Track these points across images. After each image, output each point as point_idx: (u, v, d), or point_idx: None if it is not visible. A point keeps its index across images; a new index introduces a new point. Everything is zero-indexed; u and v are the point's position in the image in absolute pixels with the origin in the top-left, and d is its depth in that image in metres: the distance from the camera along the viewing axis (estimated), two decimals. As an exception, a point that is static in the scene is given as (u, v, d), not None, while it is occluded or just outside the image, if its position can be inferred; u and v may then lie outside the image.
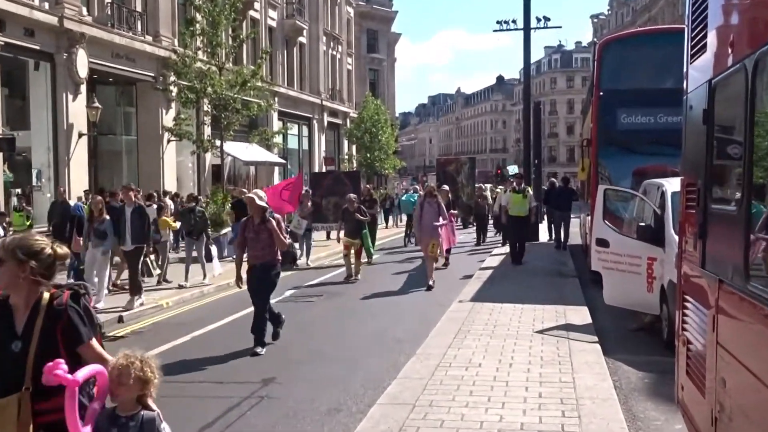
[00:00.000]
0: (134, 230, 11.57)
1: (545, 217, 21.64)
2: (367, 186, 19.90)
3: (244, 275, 8.71)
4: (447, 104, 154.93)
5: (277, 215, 8.84)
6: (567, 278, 13.34)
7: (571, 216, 19.46)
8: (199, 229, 13.98)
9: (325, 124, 41.04)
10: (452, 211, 15.85)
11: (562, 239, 18.97)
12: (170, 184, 24.02)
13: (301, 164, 38.98)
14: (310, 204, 17.98)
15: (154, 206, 15.38)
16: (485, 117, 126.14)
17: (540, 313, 9.86)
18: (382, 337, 9.31)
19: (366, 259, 17.06)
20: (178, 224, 15.44)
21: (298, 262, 17.24)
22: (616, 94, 12.96)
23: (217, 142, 22.14)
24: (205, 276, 13.77)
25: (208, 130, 24.18)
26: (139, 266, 12.01)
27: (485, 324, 9.16)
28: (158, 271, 14.09)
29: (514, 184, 16.79)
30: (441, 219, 13.51)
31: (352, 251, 14.56)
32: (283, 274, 15.51)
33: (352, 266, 14.58)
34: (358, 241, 14.60)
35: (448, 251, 15.98)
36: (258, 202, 8.49)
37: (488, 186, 33.11)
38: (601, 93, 13.05)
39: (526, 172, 21.96)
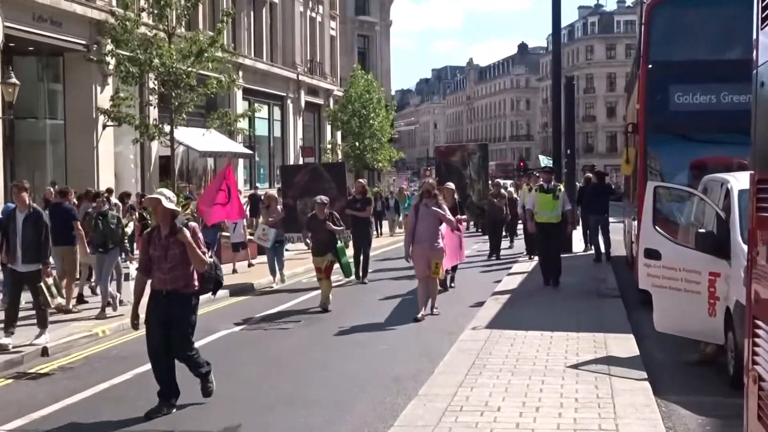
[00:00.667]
0: (27, 245, 10.76)
1: (580, 221, 21.59)
2: (361, 181, 19.51)
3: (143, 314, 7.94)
4: (456, 79, 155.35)
5: (192, 223, 8.10)
6: (608, 299, 13.37)
7: (610, 219, 19.53)
8: (115, 241, 13.52)
9: (303, 104, 41.08)
10: (460, 216, 15.30)
11: (602, 249, 19.00)
12: (107, 180, 23.99)
13: (272, 154, 39.01)
14: (280, 208, 17.81)
15: (106, 207, 15.43)
16: (504, 95, 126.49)
17: (574, 342, 9.88)
18: (376, 373, 9.30)
19: (356, 278, 16.98)
20: (129, 228, 15.46)
21: (275, 281, 17.12)
22: (668, 67, 13.01)
23: (166, 128, 22.11)
24: (113, 306, 13.13)
25: (154, 113, 24.14)
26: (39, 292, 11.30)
27: (505, 357, 9.17)
28: (59, 300, 13.94)
29: (542, 180, 15.88)
30: (445, 228, 13.11)
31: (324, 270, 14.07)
32: (246, 297, 15.67)
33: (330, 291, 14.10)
34: (330, 256, 14.09)
35: (454, 269, 15.75)
36: (166, 203, 7.71)
37: (507, 183, 33.08)
38: (650, 66, 13.09)
39: (556, 166, 22.00)
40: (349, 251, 21.73)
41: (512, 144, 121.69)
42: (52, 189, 19.62)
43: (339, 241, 14.40)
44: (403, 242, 13.28)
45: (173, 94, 21.37)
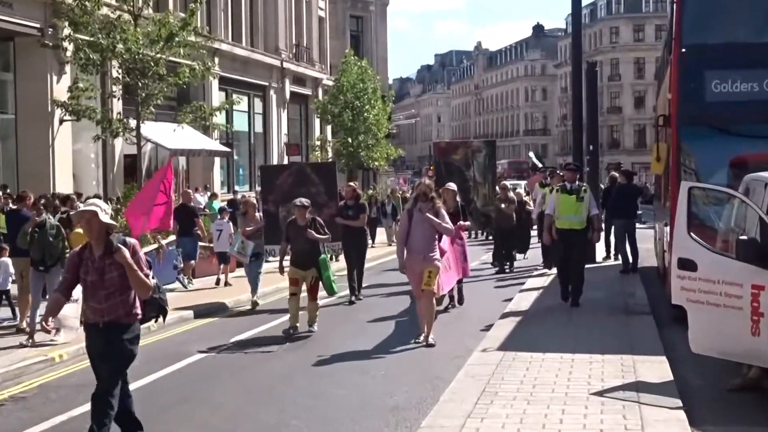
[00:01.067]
0: None
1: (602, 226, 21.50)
2: (352, 184, 19.10)
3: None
4: (462, 66, 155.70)
5: (131, 240, 7.64)
6: (636, 316, 13.36)
7: (637, 225, 19.51)
8: (54, 255, 13.24)
9: (287, 95, 41.11)
10: (462, 222, 15.02)
11: (630, 258, 19.01)
12: (64, 183, 23.98)
13: (253, 152, 38.99)
14: (259, 215, 17.42)
15: (46, 216, 15.44)
16: (517, 84, 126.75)
17: (598, 366, 9.88)
18: (372, 403, 9.30)
19: (350, 300, 16.78)
20: None
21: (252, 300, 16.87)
22: (704, 50, 13.00)
23: (132, 123, 22.10)
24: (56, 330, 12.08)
25: (118, 106, 24.13)
26: None
27: (520, 383, 9.17)
28: None
29: (565, 180, 15.36)
30: (447, 240, 12.92)
31: (303, 287, 13.72)
32: (219, 318, 15.58)
33: (302, 311, 13.64)
34: (313, 272, 13.70)
35: (459, 285, 15.48)
36: (103, 217, 7.24)
37: (521, 184, 32.95)
38: (683, 49, 13.10)
39: (577, 164, 21.93)
40: (338, 264, 21.47)
41: (527, 139, 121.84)
42: (0, 192, 19.64)
43: (323, 252, 14.11)
44: (396, 252, 13.05)
45: (140, 84, 21.36)
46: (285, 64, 40.31)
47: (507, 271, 21.27)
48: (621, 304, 14.51)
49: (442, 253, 12.96)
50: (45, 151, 24.08)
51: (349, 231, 17.13)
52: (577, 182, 15.19)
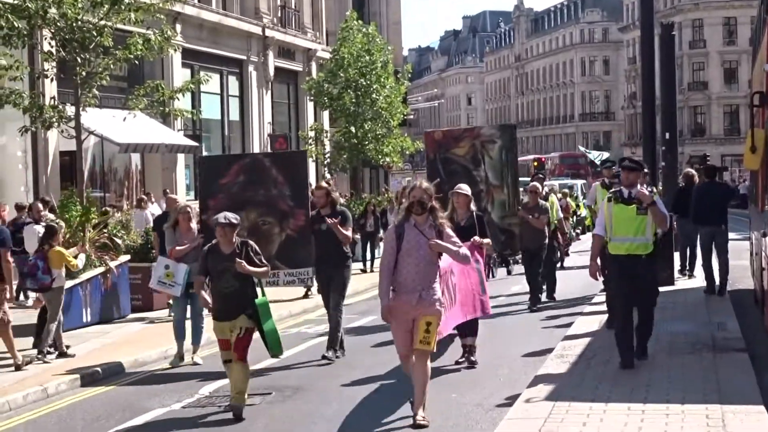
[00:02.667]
0: None
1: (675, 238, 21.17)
2: (324, 185, 16.32)
3: None
4: (499, 32, 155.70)
5: None
6: (727, 354, 13.33)
7: (729, 235, 19.42)
8: None
9: (272, 72, 41.14)
10: (479, 238, 13.92)
11: (718, 278, 18.96)
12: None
13: (228, 146, 38.99)
14: (195, 227, 15.83)
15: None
16: (571, 54, 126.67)
17: (677, 419, 9.85)
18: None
19: (330, 348, 15.23)
20: (80, 260, 15.84)
21: (191, 356, 15.57)
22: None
23: (70, 110, 22.16)
24: None
25: (52, 88, 24.20)
26: None
27: (575, 442, 9.18)
28: None
29: (622, 186, 13.28)
30: (457, 267, 12.44)
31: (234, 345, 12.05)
32: (158, 389, 15.45)
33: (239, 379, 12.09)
34: (242, 320, 12.07)
35: (470, 328, 14.40)
36: None
37: (576, 185, 32.63)
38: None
39: (648, 159, 21.81)
40: (306, 303, 21.08)
41: (585, 125, 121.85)
42: None
43: (260, 293, 12.45)
44: (378, 287, 11.32)
45: (79, 60, 21.40)
46: (268, 32, 40.34)
47: (534, 309, 20.17)
48: (707, 339, 14.46)
49: (443, 282, 11.81)
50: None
51: (325, 253, 15.43)
52: (641, 184, 13.48)
